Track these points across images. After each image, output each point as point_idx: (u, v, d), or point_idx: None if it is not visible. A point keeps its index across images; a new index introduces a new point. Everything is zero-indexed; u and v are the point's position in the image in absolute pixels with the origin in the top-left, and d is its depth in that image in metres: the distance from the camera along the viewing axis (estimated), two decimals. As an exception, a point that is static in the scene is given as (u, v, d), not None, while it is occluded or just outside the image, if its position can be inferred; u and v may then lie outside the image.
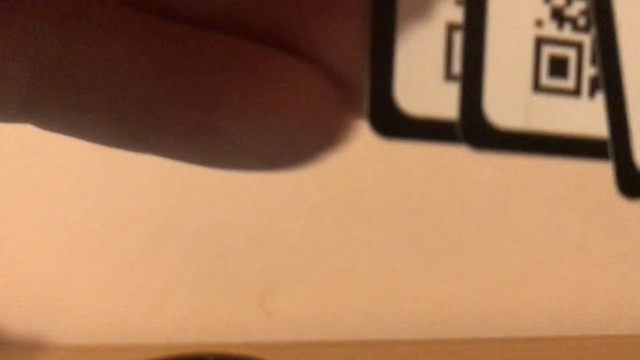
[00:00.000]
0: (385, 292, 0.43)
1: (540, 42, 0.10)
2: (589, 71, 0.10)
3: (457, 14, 0.10)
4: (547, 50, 0.10)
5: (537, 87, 0.10)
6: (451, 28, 0.10)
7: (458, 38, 0.10)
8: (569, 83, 0.10)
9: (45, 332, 0.45)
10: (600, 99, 0.10)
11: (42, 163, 0.42)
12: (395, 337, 0.42)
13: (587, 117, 0.10)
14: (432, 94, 0.10)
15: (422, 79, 0.10)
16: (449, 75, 0.10)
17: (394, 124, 0.10)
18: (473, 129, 0.10)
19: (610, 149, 0.11)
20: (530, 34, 0.10)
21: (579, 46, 0.10)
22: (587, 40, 0.10)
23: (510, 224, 0.42)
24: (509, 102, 0.10)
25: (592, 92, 0.10)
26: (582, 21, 0.10)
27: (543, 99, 0.10)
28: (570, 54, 0.10)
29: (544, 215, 0.41)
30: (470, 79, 0.10)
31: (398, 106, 0.10)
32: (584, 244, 0.41)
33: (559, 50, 0.10)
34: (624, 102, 0.10)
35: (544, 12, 0.10)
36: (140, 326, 0.44)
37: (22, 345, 0.45)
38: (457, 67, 0.10)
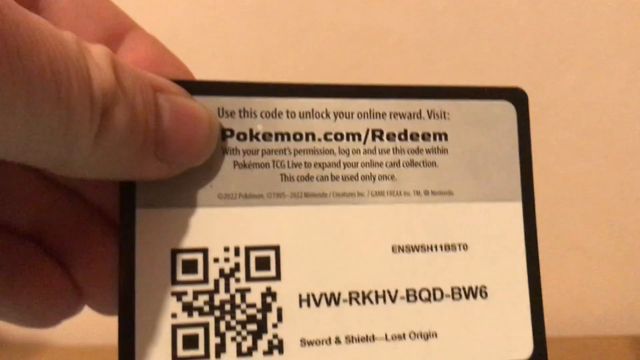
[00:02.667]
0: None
1: (175, 328, 0.15)
2: (214, 341, 0.16)
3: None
4: (181, 332, 0.16)
5: (175, 357, 0.15)
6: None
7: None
8: (200, 351, 0.16)
9: (45, 332, 0.45)
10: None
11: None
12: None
13: None
14: None
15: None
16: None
17: None
18: None
19: None
20: (168, 324, 0.15)
21: (205, 325, 0.16)
22: (210, 320, 0.16)
23: (511, 224, 0.42)
24: None
25: (217, 354, 0.16)
26: (205, 309, 0.16)
27: None
28: (199, 331, 0.16)
29: (544, 215, 0.41)
30: (124, 345, 0.16)
31: None
32: (585, 245, 0.41)
33: (190, 331, 0.16)
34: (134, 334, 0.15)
35: (178, 307, 0.16)
36: (140, 326, 0.44)
37: (22, 345, 0.45)
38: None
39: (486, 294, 0.17)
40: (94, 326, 0.45)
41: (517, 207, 0.18)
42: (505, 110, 0.18)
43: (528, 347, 0.17)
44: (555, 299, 0.41)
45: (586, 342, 0.39)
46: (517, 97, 0.18)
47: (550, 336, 0.43)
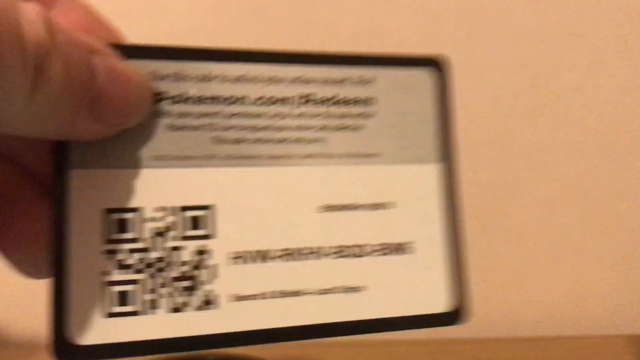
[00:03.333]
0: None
1: (109, 285, 0.16)
2: (148, 297, 0.16)
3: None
4: (115, 289, 0.16)
5: (109, 314, 0.16)
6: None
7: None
8: (134, 307, 0.16)
9: (45, 332, 0.45)
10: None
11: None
12: (396, 337, 0.42)
13: (152, 326, 0.16)
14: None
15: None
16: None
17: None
18: (59, 345, 0.15)
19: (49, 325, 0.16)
20: (101, 281, 0.16)
21: (138, 282, 0.16)
22: (144, 277, 0.16)
23: (510, 224, 0.42)
24: (87, 326, 0.16)
25: (152, 309, 0.16)
26: (139, 266, 0.16)
27: (113, 322, 0.16)
28: (133, 288, 0.16)
29: (544, 215, 0.41)
30: (56, 302, 0.16)
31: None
32: (584, 244, 0.41)
33: (124, 287, 0.16)
34: (67, 285, 0.16)
35: (111, 265, 0.16)
36: (140, 326, 0.44)
37: (22, 345, 0.45)
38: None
39: (408, 250, 0.18)
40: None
41: (440, 168, 0.19)
42: (428, 76, 0.19)
43: (443, 301, 0.18)
44: (554, 299, 0.41)
45: (585, 341, 0.39)
46: (439, 65, 0.19)
47: (549, 336, 0.43)
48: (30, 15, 0.13)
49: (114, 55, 0.15)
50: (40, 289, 0.46)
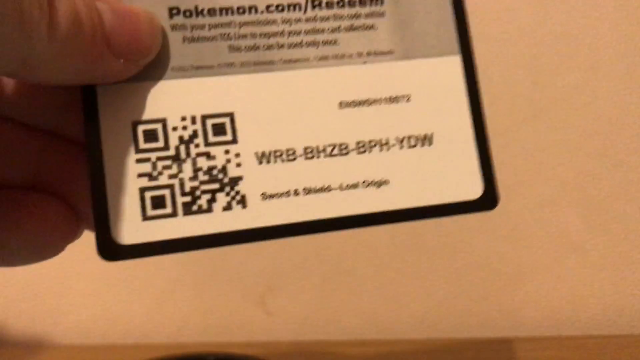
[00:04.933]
0: (385, 292, 0.43)
1: (143, 191, 0.17)
2: (181, 200, 0.17)
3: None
4: (149, 194, 0.17)
5: (146, 217, 0.17)
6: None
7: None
8: (168, 210, 0.17)
9: (45, 332, 0.45)
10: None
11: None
12: (395, 337, 0.42)
13: (186, 223, 0.17)
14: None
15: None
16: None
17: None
18: (105, 245, 0.16)
19: (93, 219, 0.17)
20: (136, 188, 0.17)
21: (170, 187, 0.17)
22: (174, 182, 0.17)
23: (510, 224, 0.42)
24: (128, 228, 0.17)
25: (185, 212, 0.17)
26: (170, 171, 0.17)
27: (151, 224, 0.17)
28: (166, 192, 0.17)
29: (544, 215, 0.41)
30: (98, 211, 0.17)
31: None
32: (584, 244, 0.41)
33: (157, 192, 0.17)
34: (105, 185, 0.17)
35: (144, 172, 0.17)
36: (141, 326, 0.44)
37: (22, 345, 0.45)
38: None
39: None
40: (94, 326, 0.45)
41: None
42: None
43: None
44: (555, 299, 0.41)
45: (585, 341, 0.39)
46: None
47: (550, 335, 0.43)
48: None
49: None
50: (40, 289, 0.47)
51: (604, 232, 0.41)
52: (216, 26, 0.18)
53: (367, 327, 0.43)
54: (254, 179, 0.17)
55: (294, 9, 0.18)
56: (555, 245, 0.41)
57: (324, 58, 0.18)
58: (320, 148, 0.18)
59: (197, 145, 0.17)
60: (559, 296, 0.41)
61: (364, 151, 0.18)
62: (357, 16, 0.18)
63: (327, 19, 0.18)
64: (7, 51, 0.13)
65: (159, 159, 0.17)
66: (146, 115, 0.17)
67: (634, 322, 0.41)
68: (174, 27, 0.17)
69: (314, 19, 0.18)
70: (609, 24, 0.41)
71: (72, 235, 0.18)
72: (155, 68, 0.17)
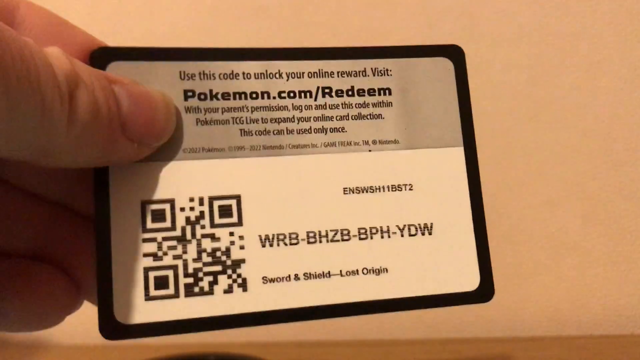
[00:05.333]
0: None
1: (147, 270, 0.17)
2: (184, 281, 0.17)
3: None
4: (152, 274, 0.17)
5: (148, 297, 0.17)
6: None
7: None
8: (170, 291, 0.17)
9: (45, 332, 0.45)
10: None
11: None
12: (395, 337, 0.42)
13: (185, 308, 0.17)
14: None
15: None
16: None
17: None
18: (107, 325, 0.17)
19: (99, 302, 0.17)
20: (140, 267, 0.17)
21: (174, 267, 0.17)
22: (179, 263, 0.17)
23: (511, 224, 0.42)
24: (130, 308, 0.17)
25: (187, 293, 0.17)
26: (174, 253, 0.17)
27: (153, 304, 0.17)
28: (169, 273, 0.17)
29: (544, 215, 0.41)
30: (103, 289, 0.17)
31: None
32: (584, 244, 0.41)
33: (161, 273, 0.17)
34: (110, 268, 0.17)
35: (150, 252, 0.17)
36: (141, 326, 0.44)
37: (22, 345, 0.45)
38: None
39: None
40: (94, 326, 0.45)
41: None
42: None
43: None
44: (554, 299, 0.41)
45: (585, 341, 0.39)
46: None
47: (550, 335, 0.43)
48: (54, 52, 0.14)
49: (133, 81, 0.17)
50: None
51: (604, 232, 0.41)
52: (229, 110, 0.18)
53: (367, 327, 0.43)
54: (256, 262, 0.18)
55: (305, 95, 0.19)
56: (555, 245, 0.41)
57: (331, 144, 0.19)
58: (323, 233, 0.18)
59: (202, 227, 0.17)
60: (559, 296, 0.41)
61: (365, 238, 0.18)
62: (365, 105, 0.19)
63: (336, 106, 0.19)
64: (28, 142, 0.13)
65: (165, 239, 0.17)
66: (155, 196, 0.17)
67: (634, 322, 0.41)
68: (188, 110, 0.18)
69: (324, 106, 0.19)
70: (609, 24, 0.41)
71: (72, 307, 0.18)
72: (167, 149, 0.17)
